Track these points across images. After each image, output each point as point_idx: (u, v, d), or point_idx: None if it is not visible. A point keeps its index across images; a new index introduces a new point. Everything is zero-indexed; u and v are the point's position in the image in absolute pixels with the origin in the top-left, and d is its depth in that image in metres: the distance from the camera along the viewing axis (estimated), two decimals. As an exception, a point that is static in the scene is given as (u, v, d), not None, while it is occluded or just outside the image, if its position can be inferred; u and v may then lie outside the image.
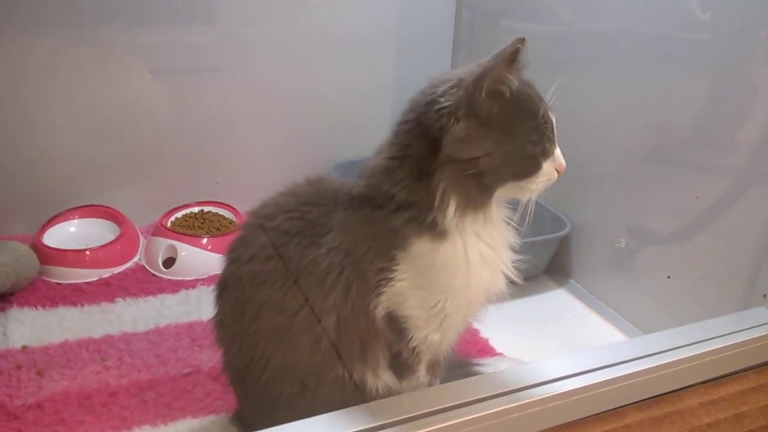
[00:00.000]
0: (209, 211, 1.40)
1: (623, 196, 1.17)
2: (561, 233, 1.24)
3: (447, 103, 0.64)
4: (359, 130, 1.51)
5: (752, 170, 0.94)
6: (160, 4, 1.30)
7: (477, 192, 0.67)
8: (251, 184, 1.46)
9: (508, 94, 0.65)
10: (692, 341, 0.81)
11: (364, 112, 1.50)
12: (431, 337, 0.72)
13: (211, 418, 0.91)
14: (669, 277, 1.07)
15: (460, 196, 0.66)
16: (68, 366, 0.99)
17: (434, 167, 0.65)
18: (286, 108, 1.48)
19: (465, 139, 0.64)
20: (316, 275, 0.70)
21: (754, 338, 0.84)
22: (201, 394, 0.95)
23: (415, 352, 0.73)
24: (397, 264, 0.68)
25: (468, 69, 0.68)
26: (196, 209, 1.39)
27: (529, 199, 0.68)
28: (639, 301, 1.15)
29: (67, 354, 1.02)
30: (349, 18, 1.45)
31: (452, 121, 0.64)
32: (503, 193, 0.69)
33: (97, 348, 1.04)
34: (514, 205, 0.73)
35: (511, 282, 0.73)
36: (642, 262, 1.14)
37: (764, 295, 0.91)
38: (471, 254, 0.68)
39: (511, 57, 0.63)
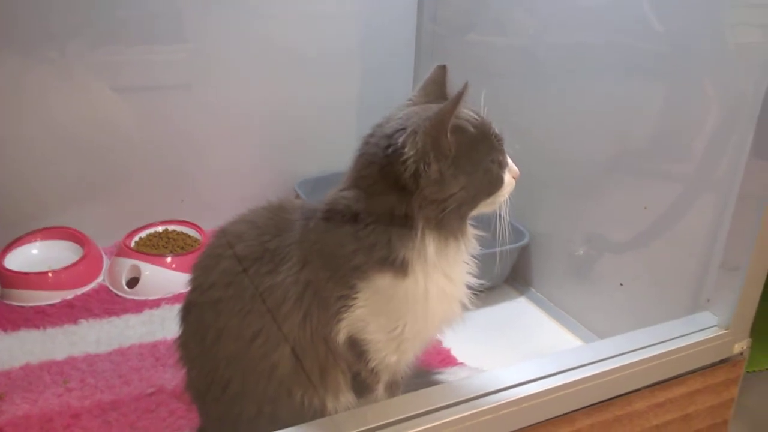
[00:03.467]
0: (174, 230, 1.40)
1: (579, 206, 1.20)
2: (520, 243, 1.27)
3: (411, 152, 0.65)
4: (324, 146, 1.54)
5: (697, 180, 0.98)
6: (128, 22, 1.30)
7: (456, 222, 0.69)
8: (217, 201, 1.48)
9: (470, 128, 0.67)
10: (639, 346, 0.84)
11: (329, 128, 1.51)
12: (389, 358, 0.74)
13: (175, 437, 0.91)
14: (622, 284, 1.10)
15: (439, 232, 0.68)
16: (30, 389, 0.99)
17: (409, 212, 0.67)
18: (252, 125, 1.48)
19: (440, 180, 0.66)
20: (273, 302, 0.71)
21: (698, 341, 0.88)
22: (165, 413, 0.95)
23: (374, 372, 0.75)
24: (358, 292, 0.70)
25: (413, 111, 0.70)
26: (160, 228, 1.39)
27: (498, 210, 0.72)
28: (595, 308, 1.18)
29: (29, 377, 1.01)
30: (313, 34, 1.46)
31: (422, 166, 0.65)
32: (474, 212, 0.72)
33: (60, 370, 1.03)
34: (478, 219, 0.75)
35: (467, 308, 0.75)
36: (597, 270, 1.17)
37: (707, 300, 0.94)
38: (431, 288, 0.70)
39: (463, 93, 0.65)
